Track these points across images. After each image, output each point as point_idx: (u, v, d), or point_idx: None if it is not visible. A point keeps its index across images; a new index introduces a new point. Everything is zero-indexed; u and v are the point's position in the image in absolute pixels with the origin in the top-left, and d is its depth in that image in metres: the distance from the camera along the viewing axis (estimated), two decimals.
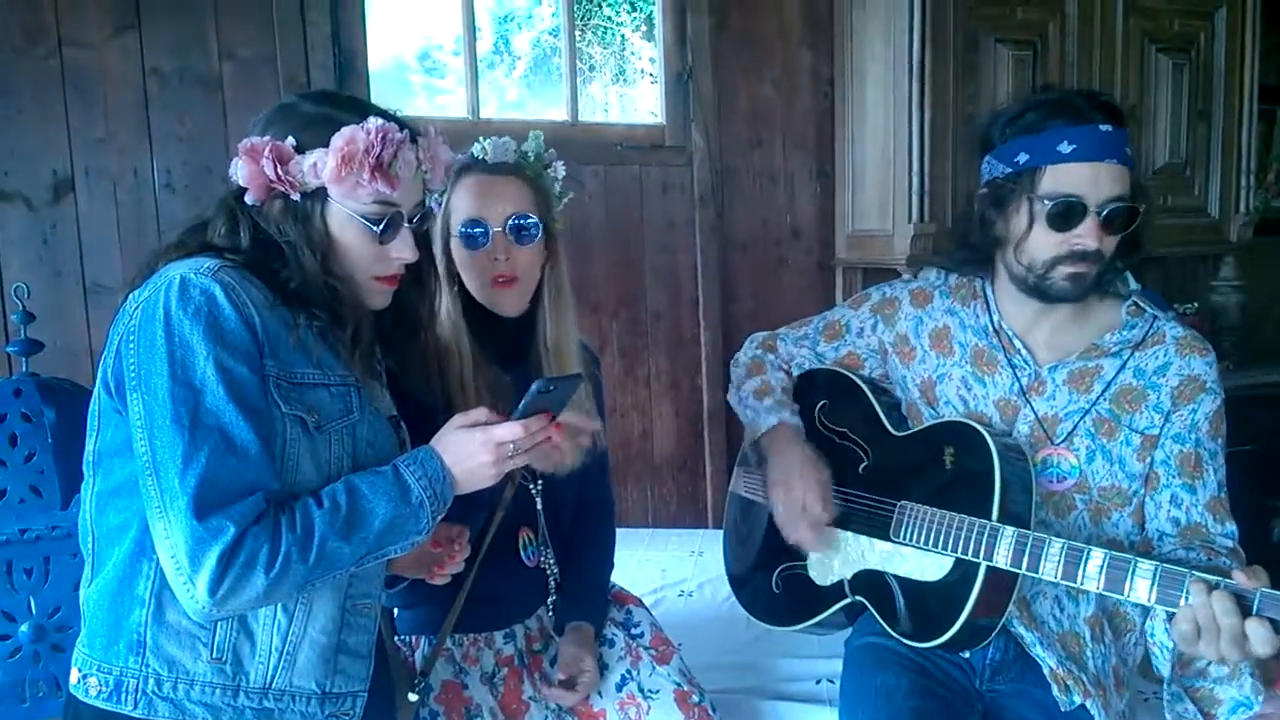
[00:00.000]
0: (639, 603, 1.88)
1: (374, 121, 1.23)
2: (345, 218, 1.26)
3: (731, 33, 3.14)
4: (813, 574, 1.74)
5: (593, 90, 5.23)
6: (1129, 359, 1.58)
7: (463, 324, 1.61)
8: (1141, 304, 1.61)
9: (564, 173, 1.71)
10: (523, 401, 1.26)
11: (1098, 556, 1.36)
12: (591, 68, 5.39)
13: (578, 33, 3.60)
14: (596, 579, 1.83)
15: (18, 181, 2.56)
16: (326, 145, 1.22)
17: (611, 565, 1.87)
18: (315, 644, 1.28)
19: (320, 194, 1.25)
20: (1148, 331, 1.59)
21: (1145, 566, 1.31)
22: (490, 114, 3.08)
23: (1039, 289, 1.56)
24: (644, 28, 5.56)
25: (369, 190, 1.24)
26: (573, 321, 1.73)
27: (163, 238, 2.49)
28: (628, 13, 5.68)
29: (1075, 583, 1.37)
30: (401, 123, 1.28)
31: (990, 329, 1.67)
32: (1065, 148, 1.49)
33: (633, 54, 5.78)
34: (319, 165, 1.22)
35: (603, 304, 3.06)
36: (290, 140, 1.23)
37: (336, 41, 2.73)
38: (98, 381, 1.25)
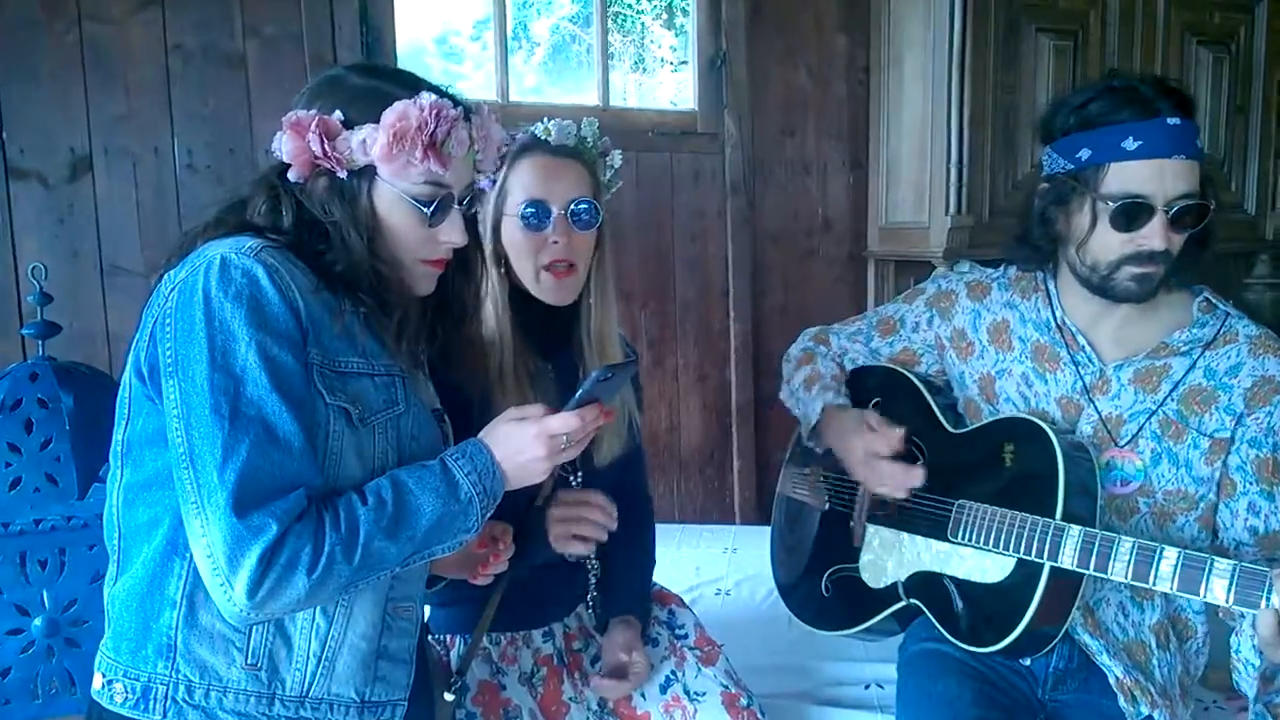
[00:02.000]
0: (680, 602, 1.82)
1: (427, 97, 1.17)
2: (394, 198, 1.19)
3: (766, 18, 3.07)
4: (865, 576, 1.68)
5: (612, 79, 5.18)
6: (1199, 358, 1.51)
7: (508, 311, 1.56)
8: (1213, 300, 1.54)
9: (620, 161, 1.66)
10: (580, 390, 1.20)
11: (1171, 555, 1.30)
12: (611, 55, 5.33)
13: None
14: (640, 574, 1.78)
15: (35, 160, 2.49)
16: (376, 121, 1.16)
17: (654, 561, 1.81)
18: (355, 649, 1.22)
19: (368, 172, 1.18)
20: (1219, 330, 1.52)
21: (1223, 566, 1.25)
22: (514, 98, 3.02)
23: (1104, 289, 1.49)
24: (664, 16, 5.49)
25: (420, 169, 1.17)
26: (615, 311, 1.67)
27: (183, 219, 2.53)
28: (648, 1, 5.62)
29: (1147, 583, 1.31)
30: (454, 99, 1.21)
31: (1053, 324, 1.60)
32: (1130, 144, 1.41)
33: (653, 42, 5.71)
34: (368, 142, 1.16)
35: (632, 294, 3.00)
36: (338, 114, 1.17)
37: (364, 20, 2.66)
38: (128, 367, 1.18)
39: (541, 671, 1.64)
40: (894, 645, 1.76)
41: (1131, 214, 1.42)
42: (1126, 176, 1.42)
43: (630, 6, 5.46)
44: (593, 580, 1.71)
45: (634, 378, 1.80)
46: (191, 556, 1.09)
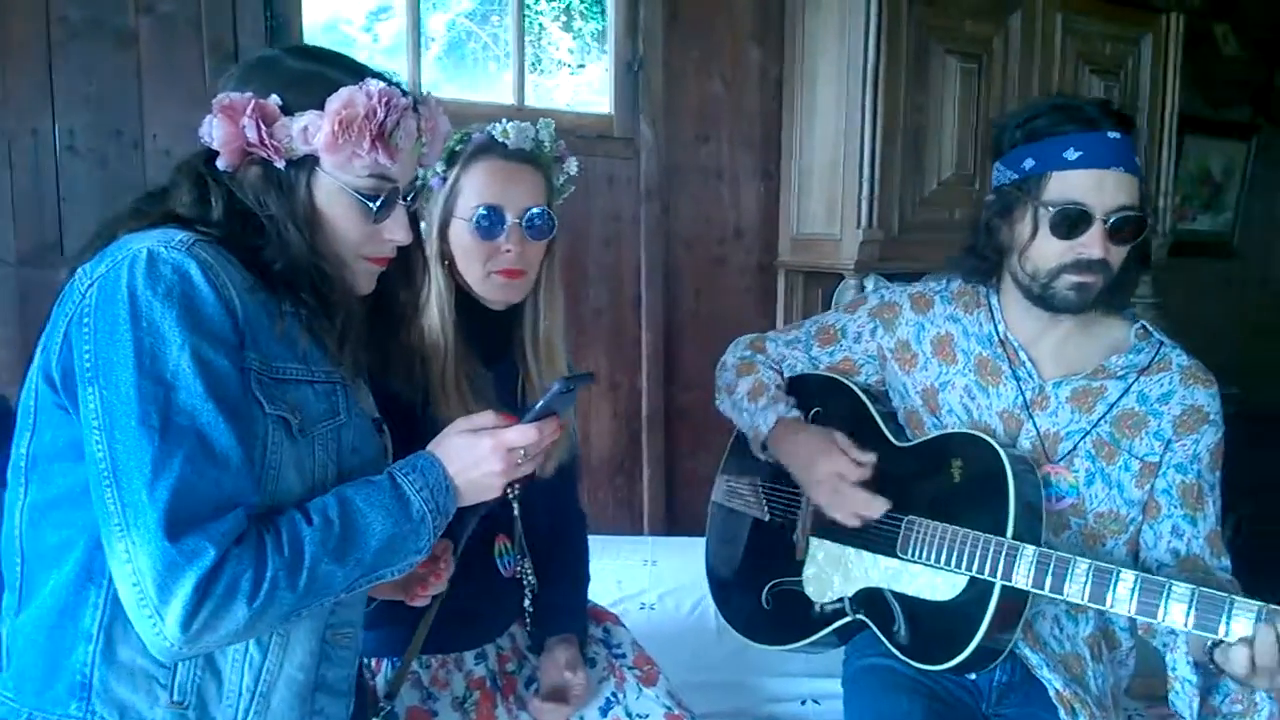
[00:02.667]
0: (617, 620, 1.77)
1: (375, 84, 1.08)
2: (336, 190, 1.10)
3: (682, 24, 3.04)
4: (809, 590, 1.66)
5: (507, 79, 5.09)
6: (1134, 383, 1.55)
7: (453, 314, 1.48)
8: (1149, 328, 1.58)
9: (576, 168, 1.59)
10: (540, 402, 1.14)
11: (1128, 577, 1.31)
12: (507, 55, 5.23)
13: (494, 18, 3.46)
14: (577, 590, 1.72)
15: None
16: (318, 107, 1.06)
17: (588, 576, 1.76)
18: (292, 682, 1.12)
19: (307, 162, 1.08)
20: (1154, 357, 1.56)
21: (1181, 590, 1.27)
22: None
23: (1043, 298, 1.52)
24: (562, 18, 5.42)
25: (366, 161, 1.08)
26: (563, 318, 1.61)
27: (62, 205, 2.33)
28: (547, 1, 5.54)
29: (1104, 605, 1.33)
30: (402, 88, 1.13)
31: (995, 338, 1.62)
32: (1071, 154, 1.46)
33: (550, 44, 5.63)
34: (310, 129, 1.06)
35: None
36: (275, 99, 1.07)
37: (269, 6, 2.51)
38: (33, 372, 1.05)
39: (474, 695, 1.56)
40: (830, 659, 1.74)
41: (1071, 221, 1.45)
42: (1067, 185, 1.46)
43: (529, 7, 5.37)
44: (528, 597, 1.64)
45: None
46: (109, 584, 0.99)
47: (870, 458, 1.58)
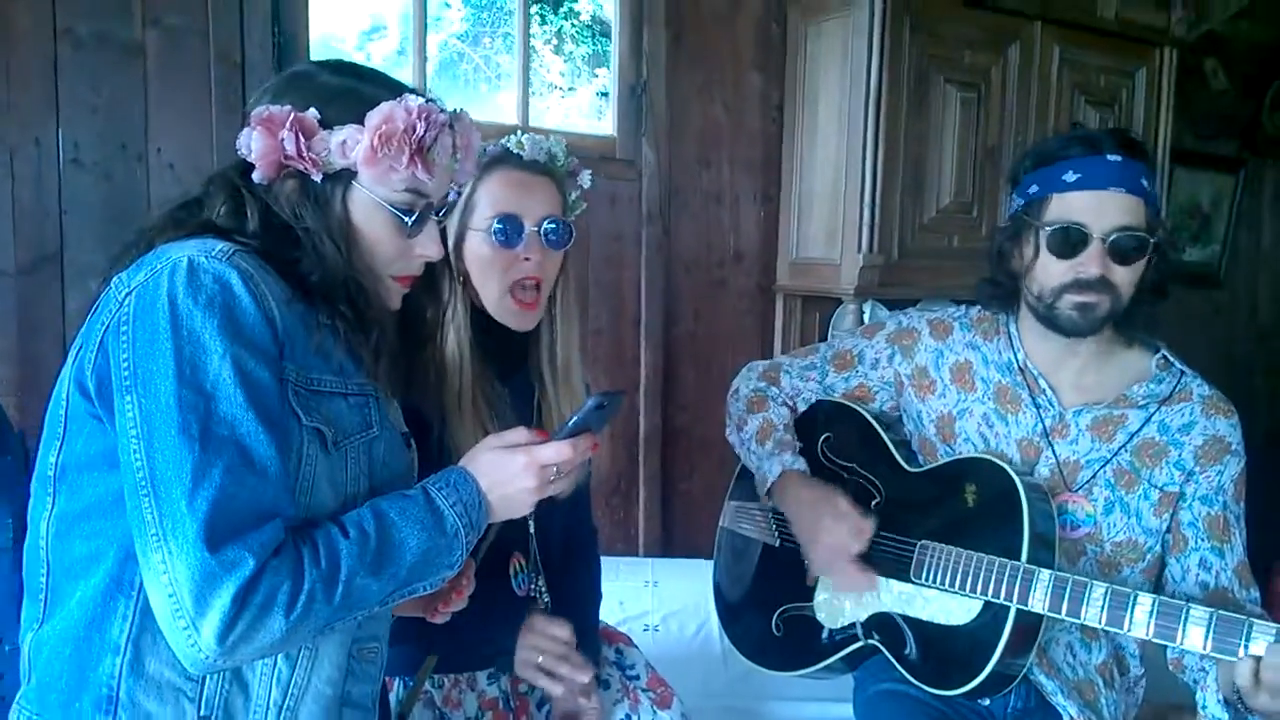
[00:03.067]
0: (629, 641, 1.76)
1: (414, 100, 1.09)
2: (372, 205, 1.11)
3: (685, 49, 3.06)
4: (820, 616, 1.66)
5: (500, 100, 5.12)
6: (1154, 413, 1.56)
7: (468, 332, 1.48)
8: (1171, 358, 1.60)
9: (589, 182, 1.60)
10: (574, 418, 1.14)
11: (1146, 601, 1.33)
12: (500, 76, 5.27)
13: (486, 40, 3.48)
14: (589, 610, 1.71)
15: None
16: (357, 121, 1.07)
17: (600, 595, 1.75)
18: (320, 696, 1.11)
19: (344, 176, 1.09)
20: (1175, 387, 1.57)
21: (1199, 613, 1.28)
22: None
23: (1049, 319, 1.54)
24: (554, 41, 5.46)
25: (403, 176, 1.09)
26: (578, 335, 1.62)
27: (65, 216, 2.31)
28: (539, 24, 5.57)
29: (1122, 629, 1.34)
30: (438, 104, 1.14)
31: (1015, 366, 1.63)
32: (1070, 176, 1.50)
33: (543, 66, 5.67)
34: (349, 144, 1.07)
35: None
36: (313, 112, 1.07)
37: (276, 20, 2.51)
38: (66, 380, 1.05)
39: (486, 716, 1.56)
40: (838, 684, 1.74)
41: (1069, 240, 1.48)
42: (1065, 206, 1.49)
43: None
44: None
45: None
46: (139, 595, 0.98)
47: (871, 524, 1.59)
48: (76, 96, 2.34)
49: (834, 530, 1.58)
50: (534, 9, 3.21)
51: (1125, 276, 1.50)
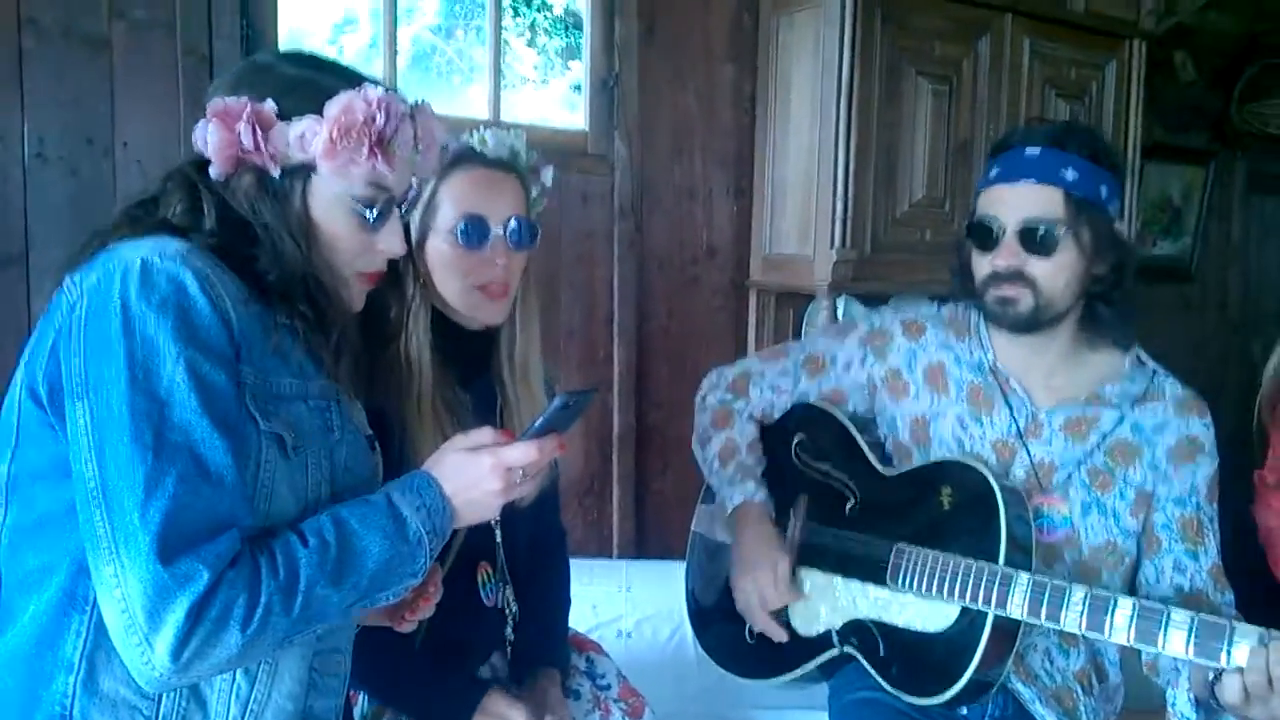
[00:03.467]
0: (599, 649, 1.73)
1: (374, 90, 1.06)
2: (332, 200, 1.08)
3: (657, 40, 3.02)
4: (795, 623, 1.63)
5: (472, 94, 5.08)
6: (1128, 413, 1.54)
7: (426, 335, 1.43)
8: (1144, 358, 1.58)
9: (550, 179, 1.55)
10: (540, 419, 1.10)
11: (1126, 605, 1.31)
12: (473, 70, 5.22)
13: (460, 33, 3.43)
14: (556, 617, 1.68)
15: None
16: (316, 113, 1.04)
17: (569, 602, 1.71)
18: (281, 712, 1.08)
19: (303, 170, 1.06)
20: (1148, 387, 1.56)
21: (1179, 617, 1.27)
22: None
23: (985, 312, 1.57)
24: (527, 34, 5.41)
25: (363, 169, 1.06)
26: (539, 338, 1.57)
27: (29, 212, 2.24)
28: (511, 17, 5.53)
29: (1102, 634, 1.32)
30: (399, 94, 1.11)
31: (986, 366, 1.61)
32: (993, 172, 1.53)
33: (516, 59, 5.62)
34: (308, 136, 1.04)
35: None
36: (270, 105, 1.04)
37: (245, 14, 2.44)
38: (16, 387, 1.01)
39: None
40: (814, 693, 1.72)
41: (982, 233, 1.52)
42: (985, 201, 1.53)
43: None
44: (511, 625, 1.59)
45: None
46: (93, 610, 0.95)
47: (790, 598, 1.60)
48: (41, 90, 2.27)
49: (764, 580, 1.59)
50: (507, 1, 3.16)
51: (1044, 269, 1.49)
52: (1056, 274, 1.49)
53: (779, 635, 1.60)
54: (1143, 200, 4.01)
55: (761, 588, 1.58)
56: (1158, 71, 3.72)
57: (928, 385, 1.65)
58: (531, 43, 5.16)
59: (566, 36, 3.45)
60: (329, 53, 3.42)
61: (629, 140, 2.97)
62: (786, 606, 1.63)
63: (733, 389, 1.82)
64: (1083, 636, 1.40)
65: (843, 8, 2.80)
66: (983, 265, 1.53)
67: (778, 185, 3.12)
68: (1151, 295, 4.02)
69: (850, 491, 1.64)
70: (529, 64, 5.51)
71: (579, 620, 2.16)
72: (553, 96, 3.46)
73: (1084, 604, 1.33)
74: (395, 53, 2.81)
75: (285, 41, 2.68)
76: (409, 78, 5.71)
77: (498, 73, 2.95)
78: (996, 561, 1.41)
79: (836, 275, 2.87)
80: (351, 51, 3.28)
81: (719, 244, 3.18)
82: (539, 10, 3.51)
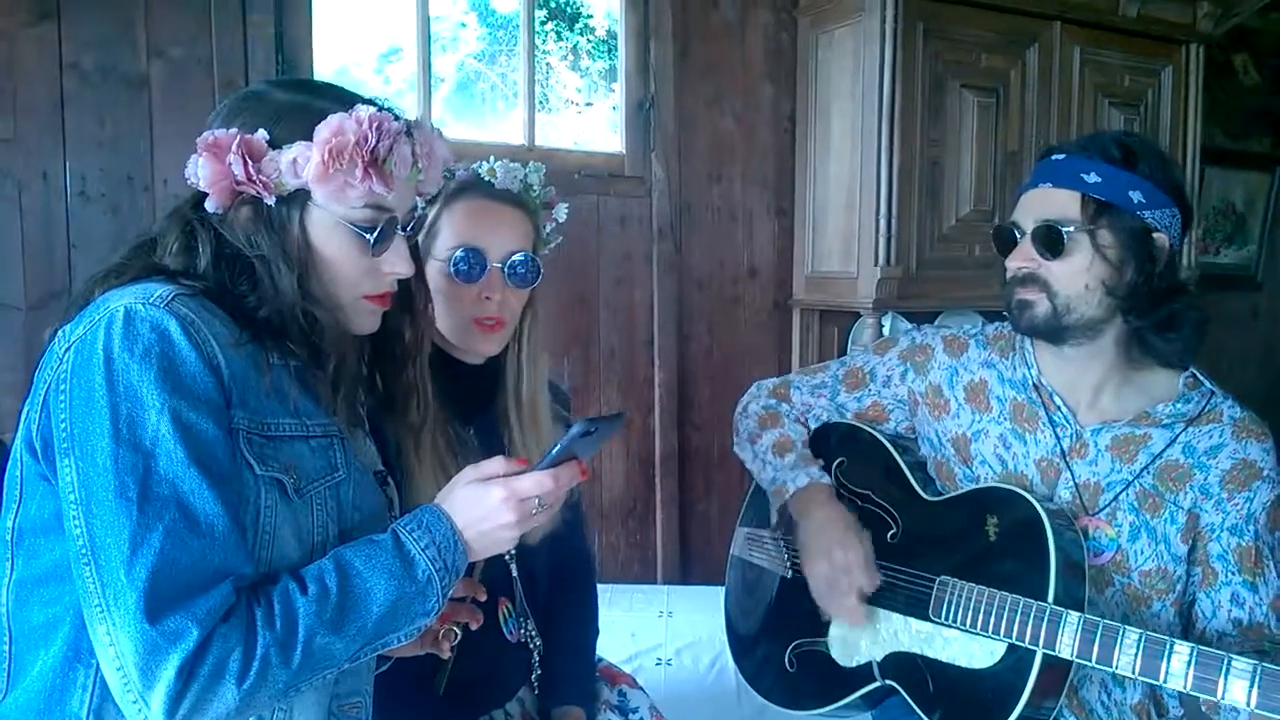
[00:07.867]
0: (633, 682, 1.68)
1: (364, 110, 1.03)
2: (331, 224, 1.05)
3: (694, 62, 3.00)
4: (834, 653, 1.58)
5: (516, 117, 5.12)
6: (1180, 434, 1.46)
7: (427, 368, 1.35)
8: (1200, 378, 1.50)
9: (565, 215, 1.51)
10: (557, 447, 1.05)
11: (1183, 651, 1.22)
12: (515, 95, 5.26)
13: (503, 58, 3.44)
14: (582, 649, 1.63)
15: None
16: (308, 138, 1.02)
17: (597, 631, 1.67)
18: None
19: (299, 197, 1.04)
20: (1204, 408, 1.47)
21: (1241, 665, 1.18)
22: None
23: (1010, 320, 1.54)
24: (570, 57, 5.43)
25: (360, 191, 1.03)
26: (545, 371, 1.52)
27: (73, 251, 2.28)
28: (554, 41, 5.56)
29: (1157, 679, 1.24)
30: (394, 112, 1.08)
31: (1030, 383, 1.55)
32: (1025, 181, 1.52)
33: (558, 83, 5.65)
34: (300, 161, 1.01)
35: (555, 339, 2.85)
36: (262, 133, 1.02)
37: (280, 48, 2.47)
38: (18, 440, 1.00)
39: None
40: None
41: (1003, 238, 1.50)
42: (1014, 209, 1.52)
43: (536, 47, 5.38)
44: (536, 659, 1.55)
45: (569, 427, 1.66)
46: (97, 665, 0.93)
47: (876, 584, 1.52)
48: (83, 130, 2.33)
49: (845, 560, 1.51)
50: (549, 26, 3.16)
51: (1057, 270, 1.44)
52: (1072, 276, 1.43)
53: (860, 619, 1.51)
54: (1205, 208, 3.89)
55: (849, 565, 1.50)
56: (1218, 76, 3.61)
57: (969, 403, 1.59)
58: (574, 66, 5.18)
59: (609, 59, 3.46)
60: (375, 82, 3.47)
61: (666, 162, 2.95)
62: (827, 635, 1.58)
63: (775, 395, 1.80)
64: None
65: (883, 23, 2.77)
66: (1009, 270, 1.50)
67: (819, 203, 3.08)
68: (1217, 304, 3.88)
69: (892, 519, 1.59)
70: (572, 87, 5.54)
71: (616, 649, 2.13)
72: (596, 119, 3.46)
73: (1138, 647, 1.25)
74: (430, 79, 2.82)
75: (332, 75, 2.71)
76: (453, 104, 5.78)
77: (532, 98, 2.95)
78: (1046, 596, 1.35)
79: (881, 293, 2.81)
80: (398, 80, 3.31)
81: (760, 263, 3.15)
82: (581, 34, 3.51)
